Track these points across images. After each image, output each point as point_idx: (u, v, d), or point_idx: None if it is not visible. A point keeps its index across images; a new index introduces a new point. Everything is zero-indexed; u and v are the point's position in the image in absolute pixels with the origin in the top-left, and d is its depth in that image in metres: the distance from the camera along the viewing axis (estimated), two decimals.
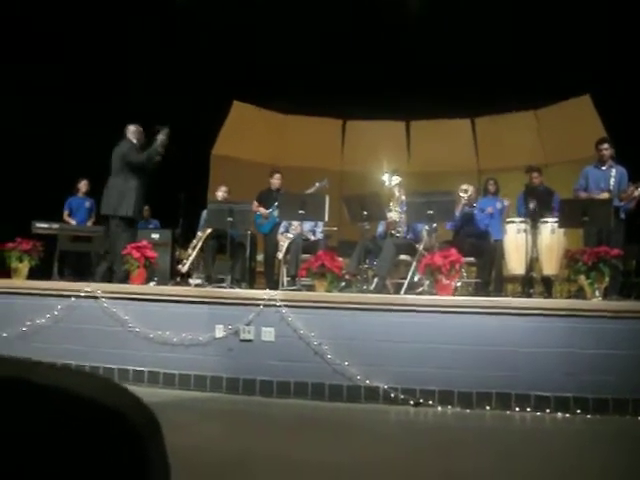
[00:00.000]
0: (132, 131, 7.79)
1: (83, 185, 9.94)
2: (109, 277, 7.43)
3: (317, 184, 8.14)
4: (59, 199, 9.75)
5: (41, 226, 8.24)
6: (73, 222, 9.64)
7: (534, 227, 7.29)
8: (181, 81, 11.00)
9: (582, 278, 6.01)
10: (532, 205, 7.60)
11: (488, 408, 5.37)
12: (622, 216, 7.27)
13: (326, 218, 7.23)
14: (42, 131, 9.52)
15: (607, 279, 5.93)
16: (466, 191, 7.63)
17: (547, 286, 7.76)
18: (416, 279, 7.01)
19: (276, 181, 8.79)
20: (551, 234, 7.19)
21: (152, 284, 7.09)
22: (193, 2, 11.09)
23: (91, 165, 9.91)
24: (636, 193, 7.15)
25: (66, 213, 9.81)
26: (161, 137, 7.51)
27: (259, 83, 11.47)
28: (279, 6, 11.04)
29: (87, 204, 9.94)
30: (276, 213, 8.16)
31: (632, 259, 8.20)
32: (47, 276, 7.55)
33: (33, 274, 7.20)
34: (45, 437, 0.57)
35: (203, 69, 11.24)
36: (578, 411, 5.25)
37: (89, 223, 9.74)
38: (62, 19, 9.79)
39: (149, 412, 0.64)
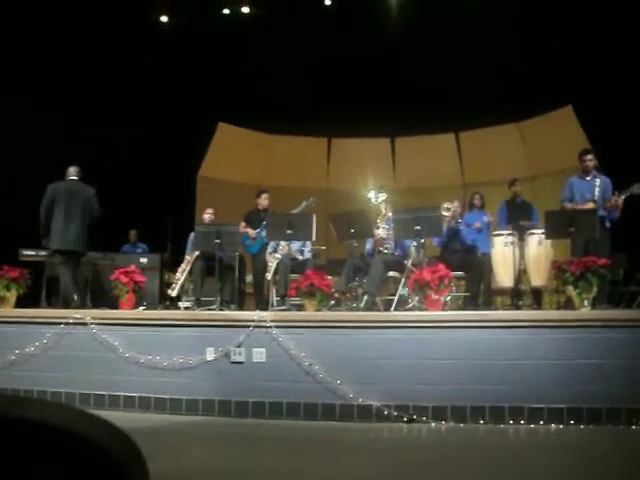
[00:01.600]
0: (78, 172, 7.91)
1: None
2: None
3: (304, 203, 8.15)
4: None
5: (28, 253, 8.20)
6: None
7: (521, 239, 7.32)
8: (166, 104, 11.03)
9: (570, 289, 6.02)
10: (522, 223, 7.73)
11: (482, 422, 5.36)
12: (607, 225, 7.31)
13: (314, 237, 7.23)
14: (27, 157, 9.49)
15: (595, 289, 5.94)
16: (448, 209, 7.65)
17: (536, 298, 7.77)
18: (405, 295, 7.01)
19: (264, 201, 8.77)
20: (538, 245, 7.22)
21: (141, 309, 7.07)
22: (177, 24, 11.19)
23: None
24: (619, 201, 7.20)
25: None
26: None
27: (244, 104, 11.51)
28: (263, 27, 11.14)
29: None
30: (264, 233, 8.15)
31: (619, 268, 8.23)
32: (35, 304, 7.51)
33: (21, 302, 7.16)
34: (26, 471, 0.57)
35: (188, 92, 11.29)
36: (572, 422, 5.24)
37: None
38: (54, 33, 9.84)
39: (131, 442, 0.63)
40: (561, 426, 5.23)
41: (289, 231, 6.96)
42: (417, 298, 6.51)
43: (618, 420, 5.19)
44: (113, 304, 7.08)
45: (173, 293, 8.12)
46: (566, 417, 5.27)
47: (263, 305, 7.78)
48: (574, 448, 4.80)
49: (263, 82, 11.36)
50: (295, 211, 7.91)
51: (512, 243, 7.23)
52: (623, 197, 7.17)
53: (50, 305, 7.82)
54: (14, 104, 9.47)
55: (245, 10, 11.44)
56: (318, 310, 6.22)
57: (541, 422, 5.28)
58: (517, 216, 7.92)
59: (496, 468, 4.11)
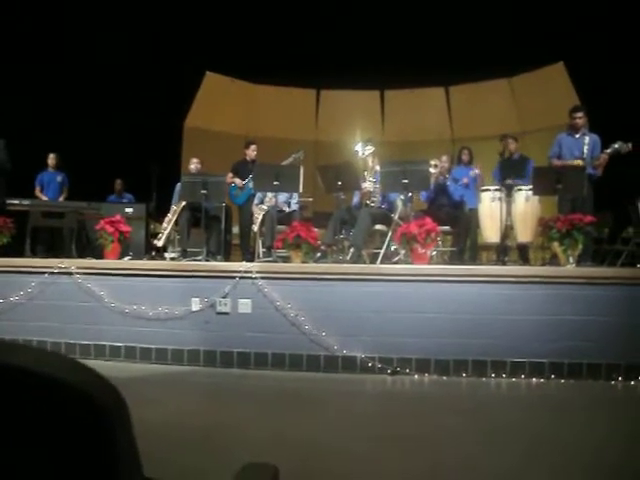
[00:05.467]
0: None
1: (51, 159, 9.76)
2: None
3: (293, 156, 8.08)
4: (30, 175, 9.60)
5: (12, 202, 8.11)
6: (45, 198, 9.50)
7: (508, 195, 7.31)
8: (153, 52, 10.84)
9: (556, 245, 6.06)
10: (509, 181, 7.60)
11: (464, 375, 5.44)
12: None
13: (301, 189, 7.22)
14: (8, 106, 9.33)
15: (580, 246, 5.98)
16: (436, 166, 7.63)
17: (522, 254, 7.81)
18: (392, 249, 7.02)
19: (252, 153, 8.72)
20: (525, 202, 7.22)
21: (127, 259, 7.04)
22: None
23: (60, 139, 9.78)
24: (606, 157, 7.16)
25: (38, 189, 9.66)
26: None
27: (232, 53, 11.33)
28: None
29: (59, 178, 9.79)
30: (251, 185, 8.11)
31: (604, 226, 8.27)
32: (19, 253, 7.47)
33: (5, 251, 7.11)
34: (8, 417, 0.56)
35: (175, 40, 11.09)
36: (552, 376, 5.33)
37: (61, 198, 9.60)
38: None
39: (114, 390, 0.62)
40: (542, 380, 5.32)
41: (276, 182, 6.93)
42: (403, 252, 6.53)
43: (598, 375, 5.29)
44: (98, 254, 7.06)
45: (159, 243, 8.09)
46: (547, 371, 5.36)
47: (249, 256, 7.80)
48: (553, 401, 4.88)
49: (252, 31, 11.18)
50: (284, 164, 7.85)
51: (499, 199, 7.23)
52: (608, 153, 7.13)
53: (34, 255, 7.77)
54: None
55: None
56: (304, 262, 6.24)
57: (522, 376, 5.37)
58: (511, 173, 7.77)
59: (475, 419, 4.18)
